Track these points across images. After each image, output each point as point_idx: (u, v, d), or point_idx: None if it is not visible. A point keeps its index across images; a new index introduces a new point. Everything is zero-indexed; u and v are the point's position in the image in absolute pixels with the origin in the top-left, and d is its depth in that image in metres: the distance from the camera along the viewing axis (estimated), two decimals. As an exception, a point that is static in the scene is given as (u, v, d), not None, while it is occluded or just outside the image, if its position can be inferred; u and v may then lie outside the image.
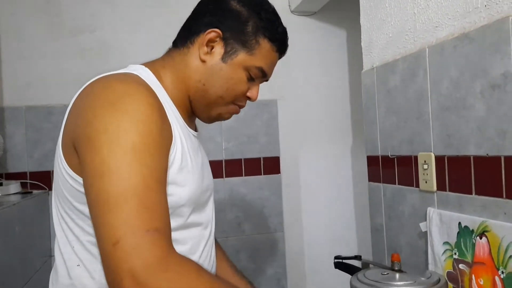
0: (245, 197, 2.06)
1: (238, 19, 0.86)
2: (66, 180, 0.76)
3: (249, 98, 0.92)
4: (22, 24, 1.84)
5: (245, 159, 2.06)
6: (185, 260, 0.68)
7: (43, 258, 1.70)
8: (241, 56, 0.86)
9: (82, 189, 0.73)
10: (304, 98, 2.16)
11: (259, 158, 2.08)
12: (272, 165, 2.09)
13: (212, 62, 0.86)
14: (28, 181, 1.79)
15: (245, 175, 2.06)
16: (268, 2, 0.91)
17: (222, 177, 2.02)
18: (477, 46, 0.92)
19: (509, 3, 0.85)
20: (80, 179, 0.73)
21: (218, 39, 0.85)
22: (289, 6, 2.11)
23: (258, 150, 2.08)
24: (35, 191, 1.73)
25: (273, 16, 0.90)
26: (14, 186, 1.64)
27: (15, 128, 1.81)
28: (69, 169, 0.75)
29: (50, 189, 1.80)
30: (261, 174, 2.08)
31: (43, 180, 1.81)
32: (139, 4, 1.96)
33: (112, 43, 1.92)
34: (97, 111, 0.70)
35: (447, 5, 1.02)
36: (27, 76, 1.84)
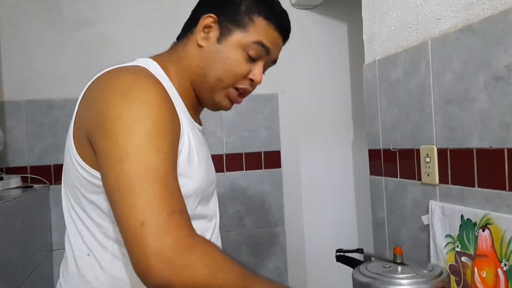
0: (246, 191, 2.06)
1: (233, 2, 0.87)
2: (77, 171, 0.77)
3: (252, 81, 0.89)
4: (22, 18, 1.82)
5: (246, 153, 2.06)
6: (207, 241, 0.70)
7: (44, 252, 1.70)
8: (236, 36, 0.85)
9: (94, 180, 0.75)
10: (305, 92, 2.15)
11: (260, 152, 2.08)
12: (273, 159, 2.09)
13: (209, 46, 0.86)
14: (28, 175, 1.79)
15: (246, 169, 2.06)
16: None
17: (223, 171, 2.02)
18: (481, 38, 0.92)
19: (513, -6, 0.85)
20: (91, 170, 0.75)
21: (213, 24, 0.86)
22: (290, -1, 2.10)
23: (259, 144, 2.07)
24: (35, 185, 1.73)
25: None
26: (14, 180, 1.64)
27: (15, 122, 1.80)
28: (81, 160, 0.76)
29: (51, 183, 1.81)
30: (262, 168, 2.08)
31: (43, 174, 1.80)
32: (139, -3, 1.95)
33: (112, 36, 1.91)
34: (109, 102, 0.71)
35: (450, -4, 1.02)
36: (27, 70, 1.83)
